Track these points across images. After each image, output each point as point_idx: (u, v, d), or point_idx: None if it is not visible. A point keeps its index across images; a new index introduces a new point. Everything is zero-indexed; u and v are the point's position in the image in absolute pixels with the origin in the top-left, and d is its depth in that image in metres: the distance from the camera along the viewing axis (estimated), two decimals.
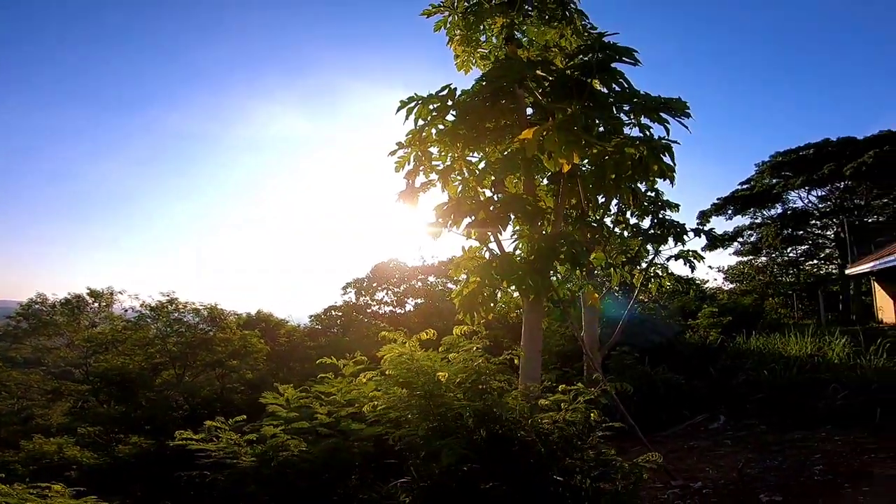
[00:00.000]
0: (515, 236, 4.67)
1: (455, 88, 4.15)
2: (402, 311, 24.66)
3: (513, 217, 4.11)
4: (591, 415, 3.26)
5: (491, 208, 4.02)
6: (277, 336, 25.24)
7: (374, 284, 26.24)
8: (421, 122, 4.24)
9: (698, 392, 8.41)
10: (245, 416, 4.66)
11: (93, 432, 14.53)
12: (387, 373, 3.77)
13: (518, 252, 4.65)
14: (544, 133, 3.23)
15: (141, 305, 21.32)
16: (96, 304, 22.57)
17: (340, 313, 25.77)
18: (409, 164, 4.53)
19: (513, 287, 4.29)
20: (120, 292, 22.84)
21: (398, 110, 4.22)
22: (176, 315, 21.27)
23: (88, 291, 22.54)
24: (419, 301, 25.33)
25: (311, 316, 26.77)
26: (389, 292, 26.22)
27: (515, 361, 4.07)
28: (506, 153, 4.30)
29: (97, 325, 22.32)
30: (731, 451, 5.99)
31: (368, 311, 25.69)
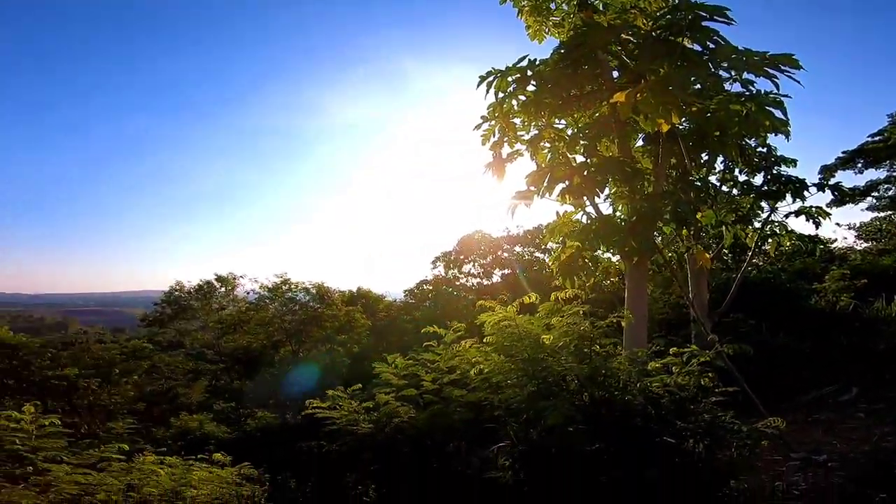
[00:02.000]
0: (612, 199, 4.57)
1: (534, 59, 4.14)
2: (490, 283, 24.87)
3: (610, 180, 4.04)
4: (703, 380, 3.16)
5: (585, 173, 3.97)
6: (377, 311, 26.79)
7: (461, 257, 26.66)
8: (501, 95, 4.29)
9: (826, 361, 7.61)
10: (361, 385, 5.12)
11: (226, 408, 16.33)
12: (486, 339, 3.93)
13: (618, 214, 4.56)
14: (638, 95, 3.15)
15: (259, 287, 23.43)
16: (223, 289, 25.01)
17: (431, 287, 26.59)
18: (493, 136, 4.60)
19: (614, 250, 4.24)
20: (241, 276, 25.03)
21: (478, 85, 4.29)
22: (289, 294, 23.31)
23: (216, 277, 24.73)
24: (506, 271, 25.37)
25: (405, 291, 27.94)
26: (476, 264, 26.52)
27: (623, 323, 4.03)
28: (596, 117, 4.21)
29: (225, 308, 24.61)
30: (864, 425, 5.44)
31: (457, 283, 26.23)
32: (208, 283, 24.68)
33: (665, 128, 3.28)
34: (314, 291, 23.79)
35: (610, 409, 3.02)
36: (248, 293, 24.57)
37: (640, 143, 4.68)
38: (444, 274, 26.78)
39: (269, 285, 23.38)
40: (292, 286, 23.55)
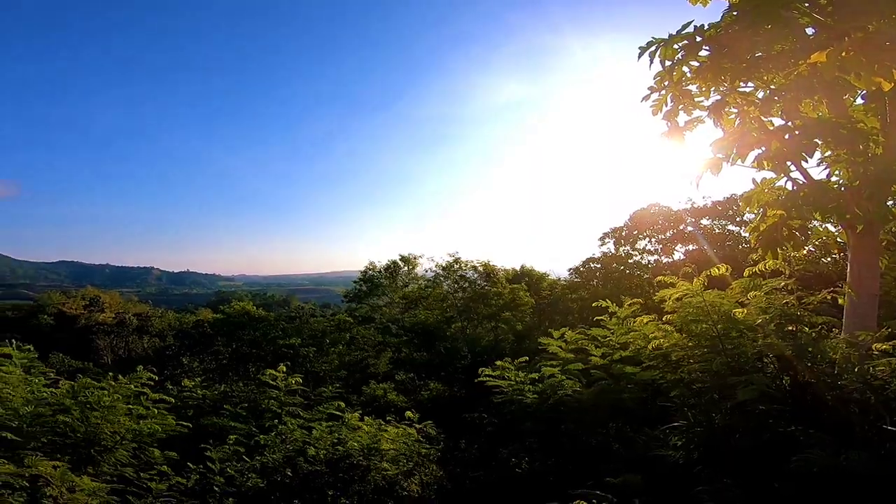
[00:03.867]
0: (827, 163, 3.97)
1: (701, 25, 3.83)
2: (670, 260, 22.70)
3: (820, 143, 3.53)
4: None
5: (787, 136, 3.53)
6: (540, 289, 26.86)
7: (635, 233, 24.83)
8: (669, 63, 4.10)
9: None
10: (527, 358, 5.43)
11: (405, 379, 18.03)
12: (666, 316, 3.83)
13: (834, 179, 3.95)
14: (843, 54, 2.72)
15: (435, 266, 25.66)
16: (406, 268, 27.97)
17: (599, 265, 25.45)
18: (666, 105, 4.41)
19: (832, 219, 3.72)
20: (420, 256, 27.19)
21: (639, 56, 4.15)
22: (460, 273, 25.03)
23: (400, 257, 27.24)
24: (690, 248, 22.83)
25: (570, 269, 27.27)
26: (653, 240, 24.43)
27: (842, 302, 3.54)
28: (793, 77, 3.71)
29: (408, 286, 27.24)
30: None
31: (630, 261, 24.60)
32: (394, 262, 27.11)
33: (887, 86, 2.74)
34: (481, 269, 24.94)
35: (816, 394, 2.74)
36: (426, 271, 26.97)
37: (859, 101, 3.94)
38: (614, 251, 25.41)
39: (443, 264, 25.33)
40: (462, 265, 25.13)
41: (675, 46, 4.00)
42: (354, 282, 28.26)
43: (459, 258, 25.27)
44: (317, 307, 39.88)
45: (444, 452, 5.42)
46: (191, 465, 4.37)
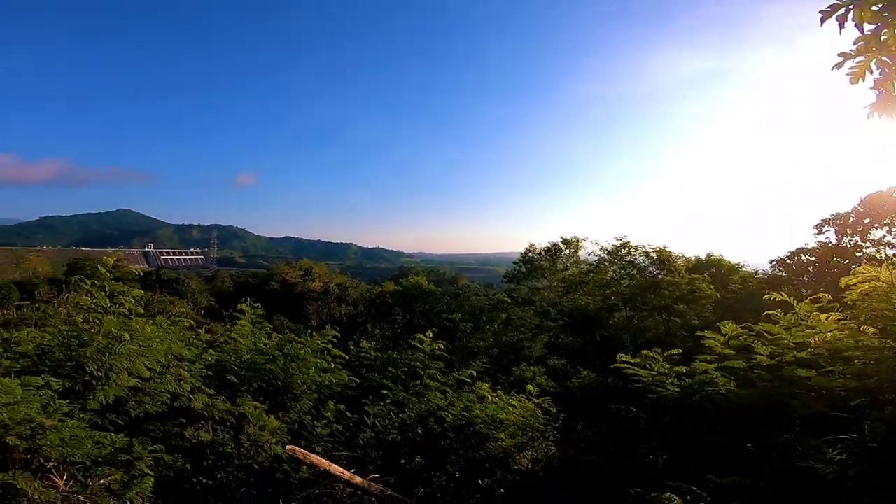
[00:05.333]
0: None
1: None
2: None
3: None
4: None
5: None
6: (728, 282, 23.32)
7: (867, 221, 19.68)
8: (870, 28, 3.30)
9: None
10: (680, 351, 4.89)
11: (558, 364, 17.50)
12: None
13: None
14: None
15: (599, 250, 24.29)
16: (567, 251, 26.99)
17: (813, 258, 20.95)
18: (870, 72, 3.58)
19: None
20: (584, 239, 26.00)
21: (822, 21, 3.37)
22: (628, 258, 23.22)
23: (562, 240, 26.42)
24: None
25: (772, 261, 23.07)
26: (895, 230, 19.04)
27: None
28: None
29: (568, 269, 26.33)
30: None
31: (857, 254, 19.65)
32: (555, 245, 26.53)
33: None
34: (654, 256, 22.82)
35: None
36: (588, 255, 25.74)
37: None
38: (835, 242, 20.58)
39: (609, 248, 23.86)
40: (631, 249, 23.32)
41: (875, 8, 3.23)
42: (514, 263, 28.32)
43: (628, 242, 23.52)
44: (480, 286, 41.48)
45: (563, 433, 5.37)
46: (349, 415, 5.13)
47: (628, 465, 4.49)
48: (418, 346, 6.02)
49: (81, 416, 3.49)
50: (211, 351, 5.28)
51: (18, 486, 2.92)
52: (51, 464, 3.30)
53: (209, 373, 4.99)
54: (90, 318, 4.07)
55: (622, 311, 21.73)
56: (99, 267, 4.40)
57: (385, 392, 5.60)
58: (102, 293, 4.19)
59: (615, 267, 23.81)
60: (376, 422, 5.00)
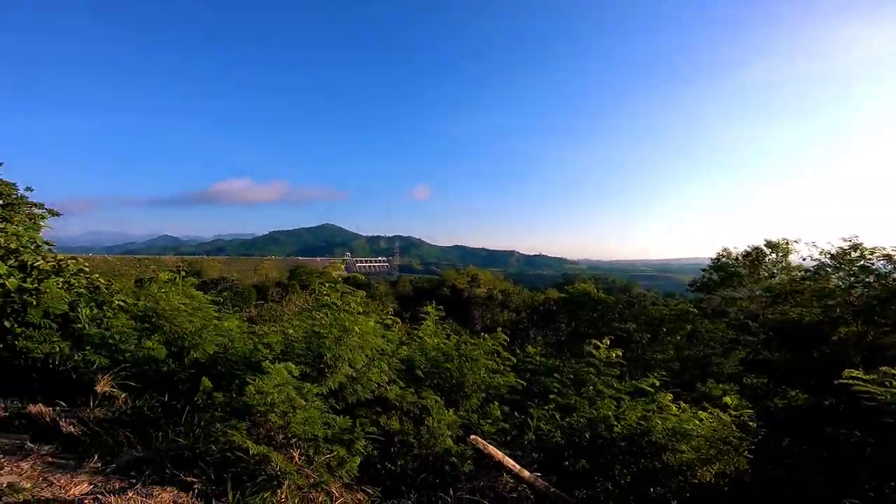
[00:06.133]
0: None
1: None
2: None
3: None
4: None
5: None
6: None
7: None
8: None
9: None
10: None
11: (757, 383, 14.84)
12: None
13: None
14: None
15: (819, 253, 19.93)
16: (773, 255, 22.86)
17: None
18: None
19: None
20: (795, 241, 22.13)
21: None
22: (861, 263, 18.56)
23: (765, 243, 22.76)
24: None
25: None
26: None
27: None
28: None
29: (775, 276, 22.51)
30: None
31: None
32: (757, 249, 22.97)
33: None
34: None
35: None
36: (803, 259, 21.39)
37: None
38: None
39: (833, 251, 19.42)
40: (865, 253, 18.57)
41: None
42: (703, 270, 25.22)
43: (860, 244, 18.75)
44: (658, 295, 37.90)
45: (760, 450, 4.81)
46: (517, 415, 5.22)
47: (843, 491, 3.71)
48: (593, 352, 5.84)
49: (315, 399, 4.22)
50: (404, 347, 5.94)
51: (271, 459, 3.63)
52: (292, 440, 4.00)
53: (402, 367, 5.62)
54: (327, 314, 4.97)
55: (851, 325, 17.48)
56: (333, 273, 5.37)
57: (553, 396, 5.57)
58: (336, 293, 5.07)
59: (841, 273, 19.24)
60: (540, 424, 4.99)
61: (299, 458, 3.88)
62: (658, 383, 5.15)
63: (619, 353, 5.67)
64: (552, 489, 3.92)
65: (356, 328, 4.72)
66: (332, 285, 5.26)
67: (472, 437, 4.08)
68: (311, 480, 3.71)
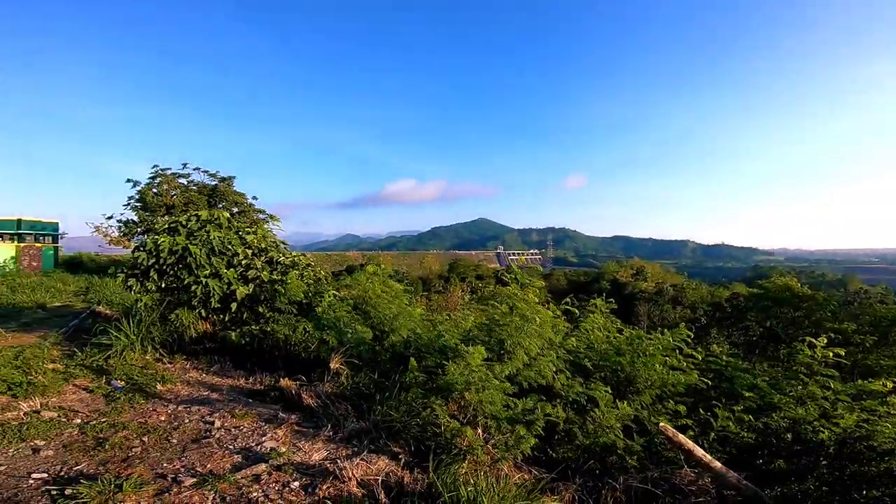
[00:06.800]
0: None
1: None
2: None
3: None
4: None
5: None
6: None
7: None
8: None
9: None
10: None
11: None
12: None
13: None
14: None
15: None
16: None
17: None
18: None
19: None
20: None
21: None
22: None
23: None
24: None
25: None
26: None
27: None
28: None
29: None
30: None
31: None
32: None
33: None
34: None
35: None
36: None
37: None
38: None
39: None
40: None
41: None
42: None
43: None
44: (889, 291, 30.24)
45: None
46: (702, 412, 4.97)
47: None
48: (806, 349, 5.26)
49: (504, 382, 4.69)
50: (572, 338, 6.15)
51: (464, 433, 4.09)
52: (477, 418, 4.35)
53: (570, 357, 5.84)
54: (506, 304, 5.46)
55: None
56: (514, 266, 5.89)
57: (749, 394, 5.16)
58: (516, 284, 5.56)
59: None
60: (728, 424, 4.68)
61: (481, 435, 4.24)
62: (891, 385, 4.42)
63: (841, 353, 4.98)
64: (744, 482, 3.75)
65: (537, 318, 5.09)
66: (514, 276, 5.66)
67: (662, 424, 4.12)
68: (492, 456, 4.04)
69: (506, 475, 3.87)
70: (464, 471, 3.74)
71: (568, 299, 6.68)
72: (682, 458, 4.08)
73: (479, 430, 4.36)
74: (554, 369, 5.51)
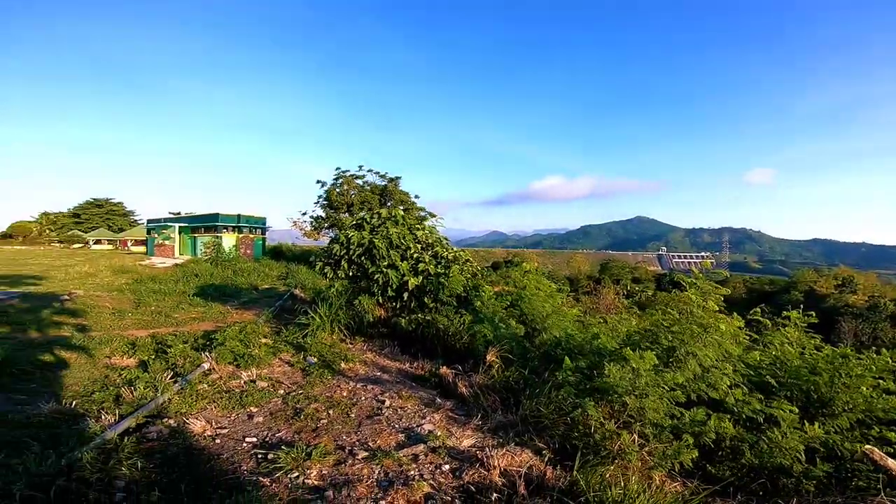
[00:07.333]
0: None
1: None
2: None
3: None
4: None
5: None
6: None
7: None
8: None
9: None
10: None
11: None
12: None
13: None
14: None
15: None
16: None
17: None
18: None
19: None
20: None
21: None
22: None
23: None
24: None
25: None
26: None
27: None
28: None
29: None
30: None
31: None
32: None
33: None
34: None
35: None
36: None
37: None
38: None
39: None
40: None
41: None
42: None
43: None
44: None
45: None
46: None
47: None
48: None
49: (674, 389, 4.50)
50: (755, 352, 5.52)
51: (620, 437, 4.00)
52: (632, 423, 4.21)
53: (750, 373, 5.26)
54: (684, 310, 5.18)
55: None
56: (696, 270, 5.57)
57: None
58: (696, 290, 5.25)
59: None
60: None
61: (636, 441, 4.10)
62: None
63: None
64: None
65: (721, 326, 4.74)
66: (693, 281, 5.32)
67: (867, 447, 3.61)
68: (646, 464, 3.93)
69: (658, 484, 3.77)
70: (609, 474, 3.71)
71: (758, 309, 5.97)
72: (885, 483, 3.48)
73: (635, 436, 4.27)
74: (729, 383, 5.06)
